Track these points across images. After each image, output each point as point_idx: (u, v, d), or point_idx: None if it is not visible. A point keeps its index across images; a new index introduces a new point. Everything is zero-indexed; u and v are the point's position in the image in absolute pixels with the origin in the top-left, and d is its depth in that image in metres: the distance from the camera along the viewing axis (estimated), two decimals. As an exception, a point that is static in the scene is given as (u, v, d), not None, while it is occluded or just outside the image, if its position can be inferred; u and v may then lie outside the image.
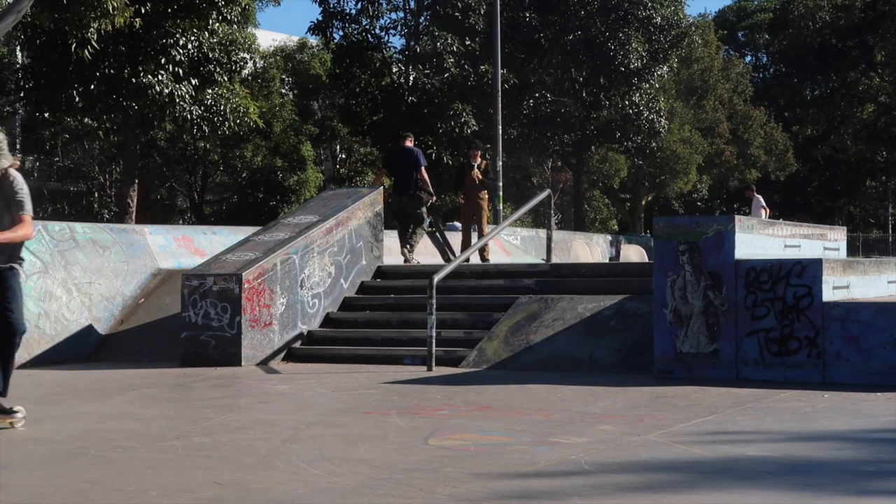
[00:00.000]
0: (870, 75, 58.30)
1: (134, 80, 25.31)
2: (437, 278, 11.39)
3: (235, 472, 5.85)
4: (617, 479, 5.62)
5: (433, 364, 10.95)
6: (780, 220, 13.17)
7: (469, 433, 7.05)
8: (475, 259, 15.51)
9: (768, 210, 25.70)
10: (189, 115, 26.43)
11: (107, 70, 25.41)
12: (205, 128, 27.28)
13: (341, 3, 35.05)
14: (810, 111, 62.59)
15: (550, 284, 12.76)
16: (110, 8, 19.32)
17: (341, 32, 35.36)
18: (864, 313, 9.38)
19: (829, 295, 9.61)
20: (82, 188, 42.70)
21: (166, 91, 25.41)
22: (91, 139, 34.68)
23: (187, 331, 11.74)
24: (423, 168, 15.42)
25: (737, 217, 10.10)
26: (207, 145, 37.60)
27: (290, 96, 45.78)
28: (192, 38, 25.76)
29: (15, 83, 30.22)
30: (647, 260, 24.34)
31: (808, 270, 9.60)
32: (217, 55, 26.31)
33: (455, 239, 17.89)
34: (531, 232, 24.09)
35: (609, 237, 32.31)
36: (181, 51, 25.57)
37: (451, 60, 33.92)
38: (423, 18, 35.17)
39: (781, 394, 8.78)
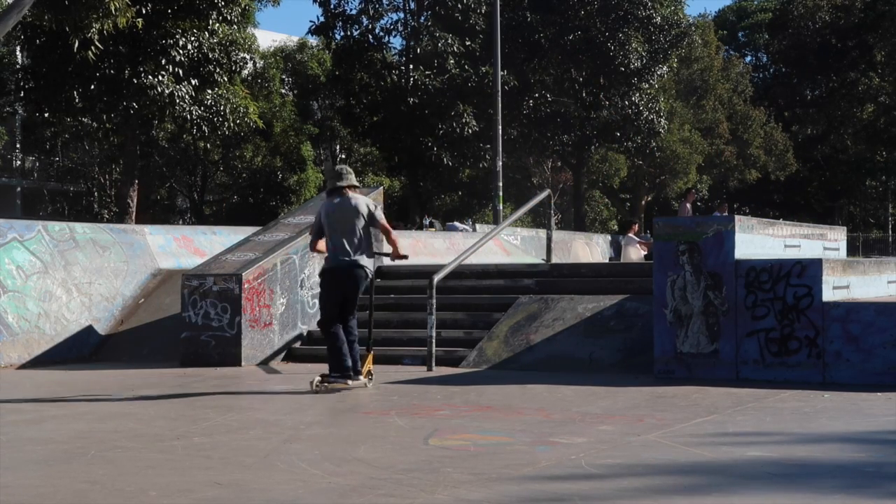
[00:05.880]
0: (870, 75, 58.27)
1: (134, 81, 25.32)
2: (437, 278, 11.38)
3: (235, 472, 5.85)
4: (617, 479, 5.62)
5: (433, 364, 10.95)
6: (780, 220, 13.17)
7: (469, 433, 7.05)
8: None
9: None
10: (189, 116, 26.43)
11: (107, 70, 25.41)
12: (205, 128, 27.28)
13: (342, 3, 35.07)
14: (810, 111, 62.57)
15: (550, 284, 12.75)
16: (113, 8, 19.30)
17: (342, 33, 35.38)
18: (864, 313, 9.38)
19: (829, 295, 9.61)
20: (82, 188, 42.70)
21: (166, 91, 25.41)
22: (91, 139, 34.67)
23: (187, 331, 11.74)
24: None
25: (737, 217, 10.10)
26: (207, 145, 37.61)
27: (290, 96, 45.79)
28: (192, 38, 25.76)
29: (15, 83, 30.20)
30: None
31: (808, 270, 9.59)
32: (217, 55, 26.32)
33: (454, 239, 17.84)
34: (531, 232, 24.10)
35: (609, 237, 32.36)
36: (181, 51, 25.57)
37: (452, 61, 33.92)
38: (423, 19, 35.17)
39: (781, 394, 8.77)
